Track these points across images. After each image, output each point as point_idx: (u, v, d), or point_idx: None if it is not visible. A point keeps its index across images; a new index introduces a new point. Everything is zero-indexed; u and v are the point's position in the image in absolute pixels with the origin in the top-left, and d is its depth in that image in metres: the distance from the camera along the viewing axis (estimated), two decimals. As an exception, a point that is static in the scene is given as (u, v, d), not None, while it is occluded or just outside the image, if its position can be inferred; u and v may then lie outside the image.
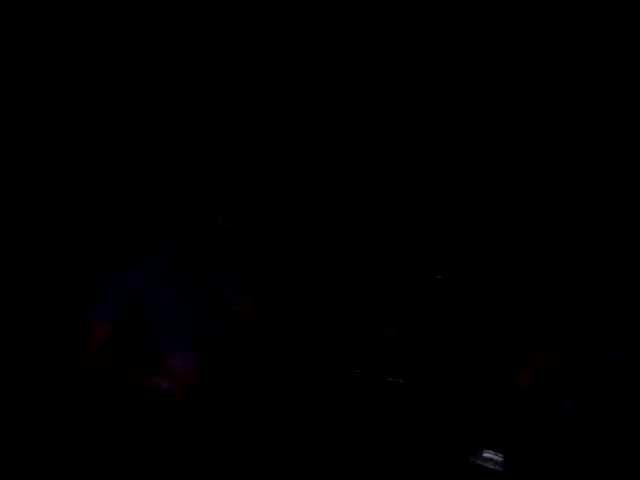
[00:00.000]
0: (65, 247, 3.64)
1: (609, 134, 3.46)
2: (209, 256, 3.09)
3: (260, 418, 2.81)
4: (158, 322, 3.00)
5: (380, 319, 3.15)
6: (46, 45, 3.68)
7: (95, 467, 2.74)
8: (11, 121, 3.63)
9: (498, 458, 2.58)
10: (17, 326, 3.45)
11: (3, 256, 3.60)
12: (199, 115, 3.81)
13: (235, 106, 3.84)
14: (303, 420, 2.80)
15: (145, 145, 3.78)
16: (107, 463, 2.73)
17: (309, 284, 3.31)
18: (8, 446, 2.89)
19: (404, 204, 3.80)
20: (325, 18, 3.74)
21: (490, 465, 2.57)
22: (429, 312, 3.14)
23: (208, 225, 3.05)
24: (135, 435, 2.77)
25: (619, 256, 3.20)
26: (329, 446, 2.72)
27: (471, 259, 3.47)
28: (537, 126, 3.62)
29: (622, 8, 3.43)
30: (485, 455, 2.61)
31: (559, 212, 3.48)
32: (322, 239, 3.80)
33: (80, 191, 3.72)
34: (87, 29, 3.69)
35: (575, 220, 3.44)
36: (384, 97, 3.81)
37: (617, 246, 3.24)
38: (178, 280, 3.05)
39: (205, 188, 3.08)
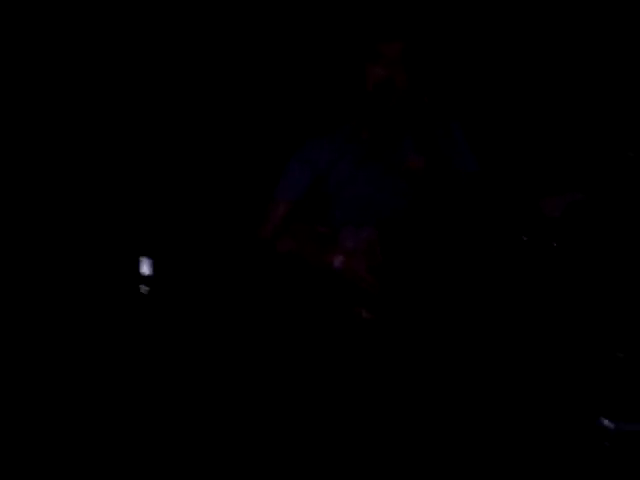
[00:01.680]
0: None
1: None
2: (387, 130, 3.07)
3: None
4: (337, 197, 3.09)
5: (543, 190, 3.06)
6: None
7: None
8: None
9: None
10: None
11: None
12: None
13: None
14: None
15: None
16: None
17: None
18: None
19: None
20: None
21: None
22: (605, 185, 3.02)
23: (381, 96, 3.00)
24: (307, 315, 2.82)
25: None
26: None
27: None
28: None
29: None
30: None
31: None
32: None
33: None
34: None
35: None
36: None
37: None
38: (357, 154, 3.09)
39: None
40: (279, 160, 3.27)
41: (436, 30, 3.38)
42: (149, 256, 3.40)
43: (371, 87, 3.02)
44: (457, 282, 2.83)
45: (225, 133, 3.77)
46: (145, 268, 3.36)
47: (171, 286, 3.35)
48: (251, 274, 3.01)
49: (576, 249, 2.88)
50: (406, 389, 2.75)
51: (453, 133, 3.05)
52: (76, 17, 3.72)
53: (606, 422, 2.56)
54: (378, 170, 3.10)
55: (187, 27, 3.77)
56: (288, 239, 3.03)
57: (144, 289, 3.39)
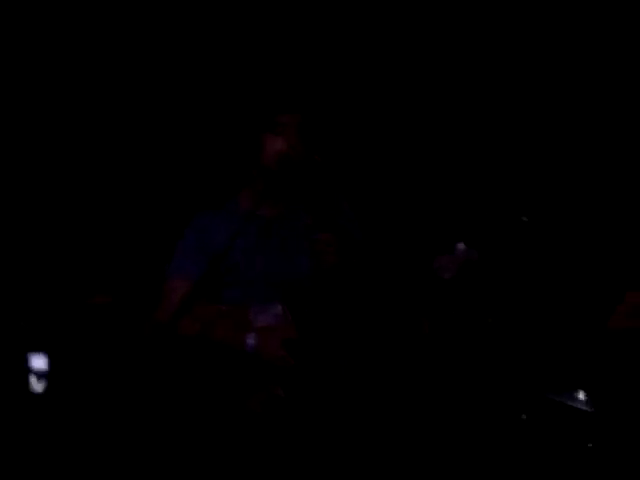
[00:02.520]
0: (139, 202, 3.74)
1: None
2: (285, 203, 3.07)
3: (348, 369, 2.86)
4: (237, 274, 3.02)
5: (433, 249, 3.11)
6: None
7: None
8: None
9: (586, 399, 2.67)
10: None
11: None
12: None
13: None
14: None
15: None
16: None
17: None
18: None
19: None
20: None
21: (581, 406, 2.66)
22: (498, 242, 3.13)
23: (282, 169, 2.97)
24: (222, 395, 2.79)
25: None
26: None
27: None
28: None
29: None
30: (578, 397, 2.70)
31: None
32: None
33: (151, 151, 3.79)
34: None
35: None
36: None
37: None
38: (255, 230, 3.04)
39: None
40: (164, 235, 3.21)
41: (332, 102, 3.42)
42: (41, 349, 3.29)
43: (269, 159, 3.01)
44: (365, 344, 2.90)
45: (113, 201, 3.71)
46: (37, 362, 3.25)
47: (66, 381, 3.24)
48: (154, 361, 2.97)
49: (469, 308, 2.99)
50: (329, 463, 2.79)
51: (345, 208, 3.10)
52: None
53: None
54: (276, 246, 3.08)
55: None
56: (191, 320, 2.92)
57: (37, 385, 3.27)
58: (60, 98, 3.72)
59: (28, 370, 3.27)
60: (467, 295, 3.00)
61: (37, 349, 3.30)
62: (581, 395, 2.73)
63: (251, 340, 2.85)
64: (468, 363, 2.92)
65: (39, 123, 3.72)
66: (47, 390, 3.23)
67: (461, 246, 2.96)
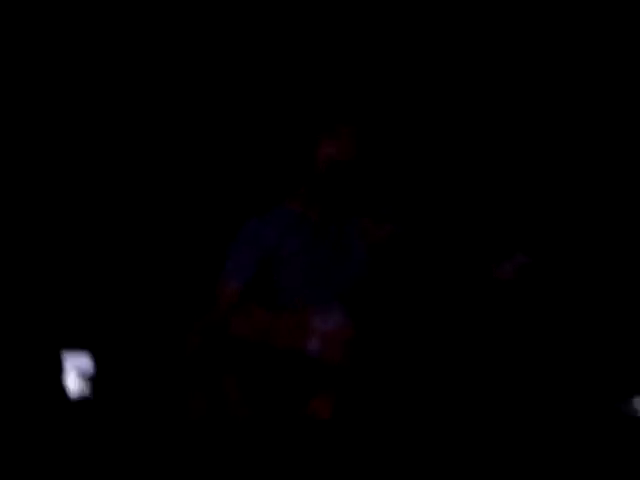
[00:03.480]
0: (194, 205, 3.70)
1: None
2: (336, 211, 3.08)
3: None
4: (290, 277, 3.03)
5: (488, 255, 3.11)
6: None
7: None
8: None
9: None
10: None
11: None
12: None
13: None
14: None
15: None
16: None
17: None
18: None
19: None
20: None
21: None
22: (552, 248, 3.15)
23: (332, 175, 3.00)
24: (281, 400, 2.80)
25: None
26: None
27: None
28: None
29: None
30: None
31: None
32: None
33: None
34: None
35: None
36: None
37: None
38: (306, 231, 3.06)
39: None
40: (220, 242, 3.21)
41: (389, 114, 3.43)
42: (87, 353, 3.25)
43: (321, 164, 3.03)
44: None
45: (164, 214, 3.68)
46: (81, 362, 3.21)
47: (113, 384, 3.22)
48: (207, 361, 2.97)
49: (527, 308, 3.03)
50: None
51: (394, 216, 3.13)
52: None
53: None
54: (329, 248, 3.08)
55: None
56: (244, 322, 2.95)
57: (80, 386, 3.24)
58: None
59: (69, 370, 3.23)
60: (523, 297, 3.02)
61: (81, 348, 3.26)
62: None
63: (313, 345, 2.86)
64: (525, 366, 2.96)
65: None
66: (91, 392, 3.19)
67: (519, 254, 3.00)
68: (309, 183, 3.08)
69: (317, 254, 3.07)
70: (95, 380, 3.25)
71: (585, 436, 2.83)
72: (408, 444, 2.85)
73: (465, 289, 3.08)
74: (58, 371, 3.31)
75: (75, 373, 3.25)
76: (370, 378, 2.88)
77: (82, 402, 3.23)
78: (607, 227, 3.42)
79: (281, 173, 3.22)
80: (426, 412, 2.89)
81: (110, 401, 3.18)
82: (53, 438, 3.20)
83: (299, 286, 3.05)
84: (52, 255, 3.57)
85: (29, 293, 3.46)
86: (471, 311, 3.07)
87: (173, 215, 3.68)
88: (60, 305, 3.46)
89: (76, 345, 3.30)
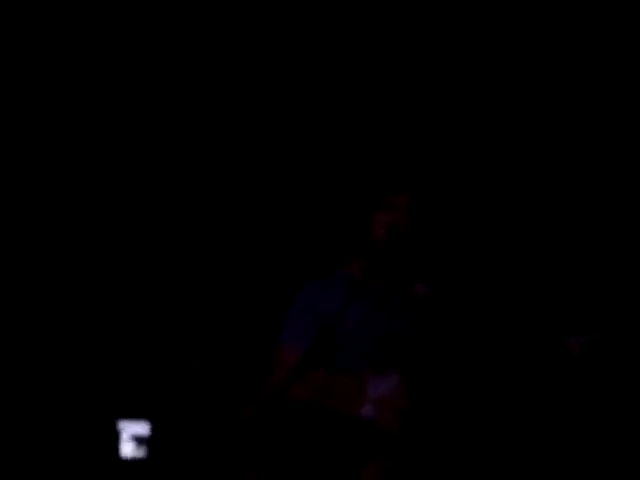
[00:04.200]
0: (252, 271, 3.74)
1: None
2: (395, 276, 3.09)
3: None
4: (349, 344, 3.00)
5: (568, 331, 3.10)
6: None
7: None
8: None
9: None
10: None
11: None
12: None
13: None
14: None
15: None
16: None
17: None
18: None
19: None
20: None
21: None
22: (620, 325, 3.11)
23: (391, 242, 3.01)
24: (335, 466, 2.77)
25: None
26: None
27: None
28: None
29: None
30: None
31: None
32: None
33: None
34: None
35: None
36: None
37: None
38: (366, 298, 3.03)
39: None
40: (275, 305, 3.21)
41: (440, 179, 3.45)
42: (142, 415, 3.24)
43: (378, 235, 3.05)
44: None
45: (221, 280, 3.70)
46: (137, 428, 3.20)
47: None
48: (268, 427, 2.94)
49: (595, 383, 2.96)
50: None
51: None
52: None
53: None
54: (387, 312, 3.07)
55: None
56: (305, 386, 2.92)
57: (136, 451, 3.22)
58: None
59: (124, 436, 3.22)
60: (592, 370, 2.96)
61: (137, 415, 3.25)
62: None
63: (368, 411, 2.82)
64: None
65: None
66: (147, 456, 3.16)
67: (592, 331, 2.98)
68: (369, 252, 3.08)
69: (376, 324, 3.04)
70: (151, 445, 3.23)
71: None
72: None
73: (532, 362, 3.02)
74: (115, 438, 3.30)
75: (132, 439, 3.24)
76: (424, 448, 2.82)
77: (138, 465, 3.20)
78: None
79: (339, 239, 3.21)
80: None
81: (165, 467, 3.14)
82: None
83: (357, 351, 3.01)
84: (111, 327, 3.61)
85: (88, 362, 3.49)
86: (534, 384, 2.99)
87: (231, 282, 3.70)
88: (119, 372, 3.47)
89: (134, 414, 3.29)
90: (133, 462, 3.16)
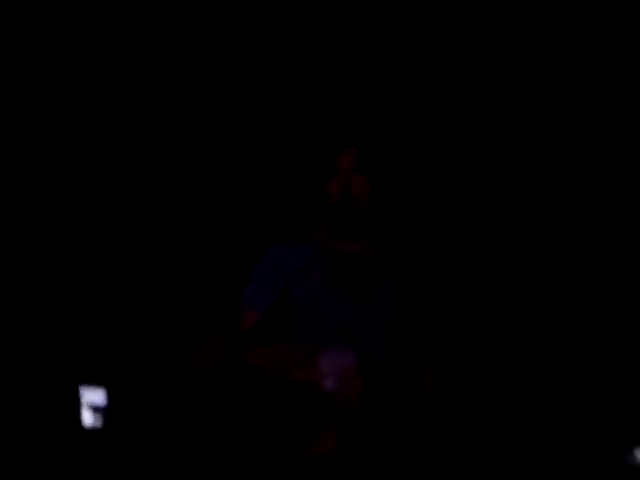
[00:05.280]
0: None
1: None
2: (357, 244, 3.02)
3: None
4: (310, 311, 2.93)
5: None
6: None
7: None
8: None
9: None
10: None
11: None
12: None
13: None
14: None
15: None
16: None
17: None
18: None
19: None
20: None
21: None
22: None
23: (346, 204, 2.96)
24: (286, 436, 2.71)
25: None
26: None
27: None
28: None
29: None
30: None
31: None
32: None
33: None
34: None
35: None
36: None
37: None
38: (330, 262, 2.98)
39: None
40: (240, 266, 3.13)
41: (386, 132, 3.30)
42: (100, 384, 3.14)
43: (333, 200, 3.00)
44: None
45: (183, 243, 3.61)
46: (94, 396, 3.09)
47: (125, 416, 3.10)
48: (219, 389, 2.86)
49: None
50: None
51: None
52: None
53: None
54: (353, 291, 2.98)
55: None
56: (261, 352, 2.86)
57: (92, 419, 3.12)
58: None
59: (83, 404, 3.11)
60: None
61: (94, 383, 3.14)
62: None
63: (330, 383, 2.76)
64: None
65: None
66: (104, 425, 3.07)
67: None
68: (329, 218, 3.04)
69: (340, 294, 2.96)
70: (108, 412, 3.14)
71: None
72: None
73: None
74: (75, 405, 3.20)
75: (89, 407, 3.14)
76: (377, 424, 2.77)
77: (95, 433, 3.13)
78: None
79: (301, 208, 3.14)
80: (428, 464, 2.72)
81: (122, 431, 3.07)
82: (68, 468, 3.13)
83: (316, 324, 2.94)
84: (73, 291, 3.53)
85: (48, 329, 3.41)
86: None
87: (191, 235, 3.63)
88: (76, 340, 3.40)
89: (91, 380, 3.20)
90: (91, 430, 3.06)
